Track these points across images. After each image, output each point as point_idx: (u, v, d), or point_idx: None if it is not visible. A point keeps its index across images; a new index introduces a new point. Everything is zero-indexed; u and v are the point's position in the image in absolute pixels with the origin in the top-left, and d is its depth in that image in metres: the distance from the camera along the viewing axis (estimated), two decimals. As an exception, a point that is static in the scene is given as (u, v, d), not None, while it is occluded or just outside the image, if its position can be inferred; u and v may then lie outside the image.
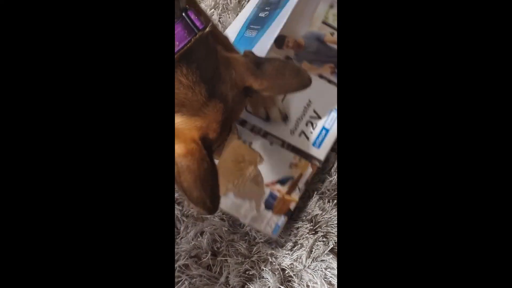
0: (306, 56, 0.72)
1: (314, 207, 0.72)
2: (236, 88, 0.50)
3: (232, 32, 0.82)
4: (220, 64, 0.49)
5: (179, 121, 0.48)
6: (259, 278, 0.69)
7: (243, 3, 0.91)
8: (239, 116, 0.66)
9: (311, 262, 0.68)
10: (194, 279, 0.70)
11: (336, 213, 0.70)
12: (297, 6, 0.72)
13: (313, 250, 0.69)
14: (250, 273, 0.70)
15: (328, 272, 0.67)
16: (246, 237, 0.73)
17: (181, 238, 0.73)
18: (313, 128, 0.70)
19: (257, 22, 0.79)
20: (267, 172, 0.69)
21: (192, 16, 0.47)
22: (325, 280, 0.66)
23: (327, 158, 0.73)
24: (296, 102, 0.70)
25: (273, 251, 0.71)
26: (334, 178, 0.73)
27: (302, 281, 0.68)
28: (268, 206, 0.69)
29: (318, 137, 0.70)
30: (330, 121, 0.70)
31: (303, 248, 0.69)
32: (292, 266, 0.69)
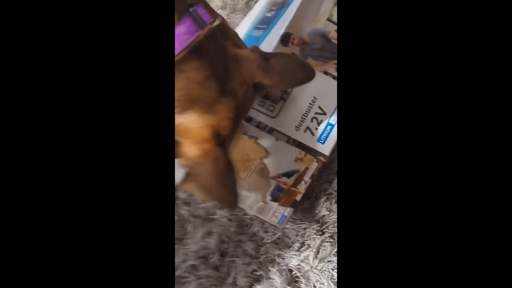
0: (311, 53, 0.71)
1: (321, 207, 0.71)
2: (246, 85, 0.50)
3: (239, 32, 0.82)
4: (229, 60, 0.48)
5: (192, 119, 0.46)
6: (266, 279, 0.69)
7: (251, 4, 0.91)
8: (248, 113, 0.66)
9: (318, 263, 0.67)
10: (202, 279, 0.70)
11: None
12: (302, 4, 0.71)
13: (320, 250, 0.68)
14: (257, 273, 0.70)
15: (335, 273, 0.66)
16: (254, 238, 0.72)
17: (189, 238, 0.74)
18: (318, 124, 0.69)
19: (264, 22, 0.79)
20: (273, 166, 0.69)
21: (200, 11, 0.46)
22: (332, 281, 0.65)
23: (334, 158, 0.71)
24: (301, 98, 0.70)
25: (280, 252, 0.70)
26: (342, 178, 0.71)
27: (309, 282, 0.67)
28: (275, 198, 0.69)
29: (323, 132, 0.69)
30: (335, 117, 0.69)
31: (310, 249, 0.69)
32: (299, 266, 0.68)
